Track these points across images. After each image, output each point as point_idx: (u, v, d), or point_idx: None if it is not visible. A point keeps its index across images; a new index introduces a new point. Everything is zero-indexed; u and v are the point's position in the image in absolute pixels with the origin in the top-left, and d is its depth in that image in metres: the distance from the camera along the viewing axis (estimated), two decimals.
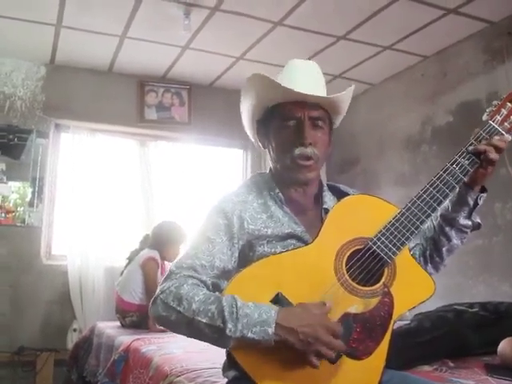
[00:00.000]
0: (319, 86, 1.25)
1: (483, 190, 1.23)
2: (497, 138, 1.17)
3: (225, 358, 1.20)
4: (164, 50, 3.43)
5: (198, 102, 4.03)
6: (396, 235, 1.11)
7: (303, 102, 1.20)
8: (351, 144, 4.01)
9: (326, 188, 1.32)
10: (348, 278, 1.08)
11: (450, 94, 3.24)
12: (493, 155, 1.15)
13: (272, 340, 0.97)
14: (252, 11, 2.88)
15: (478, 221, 1.25)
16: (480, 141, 1.18)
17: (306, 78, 1.23)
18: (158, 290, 1.09)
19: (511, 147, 2.82)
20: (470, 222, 1.23)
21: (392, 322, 1.05)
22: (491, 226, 2.87)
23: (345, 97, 1.24)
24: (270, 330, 0.96)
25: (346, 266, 1.10)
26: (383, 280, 1.09)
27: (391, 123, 3.70)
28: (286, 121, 1.21)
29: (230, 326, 0.97)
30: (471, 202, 1.21)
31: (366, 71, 3.68)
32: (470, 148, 1.17)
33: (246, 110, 1.29)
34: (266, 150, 1.30)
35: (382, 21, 2.92)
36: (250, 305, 0.99)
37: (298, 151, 1.19)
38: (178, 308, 1.03)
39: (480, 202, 1.22)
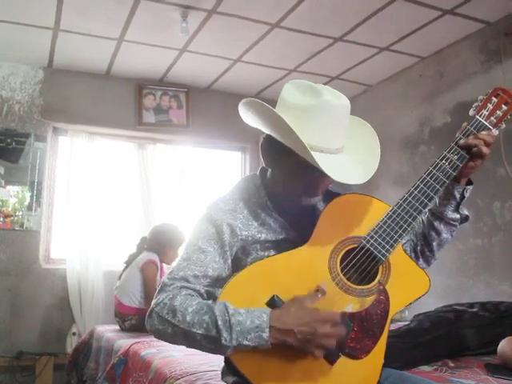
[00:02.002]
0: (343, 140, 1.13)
1: (469, 182, 1.23)
2: (484, 132, 1.17)
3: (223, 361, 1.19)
4: (161, 53, 3.43)
5: (196, 105, 4.03)
6: (389, 233, 1.11)
7: None
8: None
9: None
10: (343, 277, 1.08)
11: (447, 95, 3.24)
12: (484, 149, 1.15)
13: (269, 344, 0.96)
14: (249, 13, 2.88)
15: (466, 213, 1.25)
16: (468, 136, 1.18)
17: (336, 142, 1.09)
18: (152, 303, 1.08)
19: (510, 147, 2.83)
20: (457, 215, 1.24)
21: (389, 319, 1.05)
22: (491, 225, 2.87)
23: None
24: (265, 335, 0.95)
25: (340, 265, 1.09)
26: (378, 278, 1.09)
27: (389, 124, 3.70)
28: (301, 168, 1.09)
29: (224, 335, 0.96)
30: (458, 196, 1.21)
31: (364, 72, 3.68)
32: (461, 142, 1.17)
33: (252, 123, 1.15)
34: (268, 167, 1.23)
35: (379, 22, 2.92)
36: (241, 311, 0.98)
37: (305, 202, 1.16)
38: (173, 321, 1.02)
39: (466, 195, 1.22)
